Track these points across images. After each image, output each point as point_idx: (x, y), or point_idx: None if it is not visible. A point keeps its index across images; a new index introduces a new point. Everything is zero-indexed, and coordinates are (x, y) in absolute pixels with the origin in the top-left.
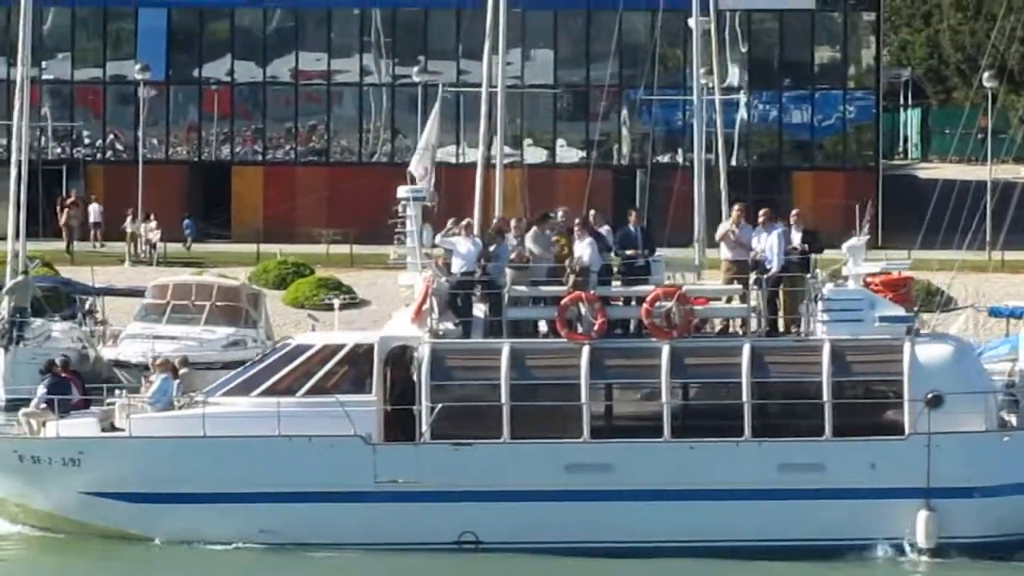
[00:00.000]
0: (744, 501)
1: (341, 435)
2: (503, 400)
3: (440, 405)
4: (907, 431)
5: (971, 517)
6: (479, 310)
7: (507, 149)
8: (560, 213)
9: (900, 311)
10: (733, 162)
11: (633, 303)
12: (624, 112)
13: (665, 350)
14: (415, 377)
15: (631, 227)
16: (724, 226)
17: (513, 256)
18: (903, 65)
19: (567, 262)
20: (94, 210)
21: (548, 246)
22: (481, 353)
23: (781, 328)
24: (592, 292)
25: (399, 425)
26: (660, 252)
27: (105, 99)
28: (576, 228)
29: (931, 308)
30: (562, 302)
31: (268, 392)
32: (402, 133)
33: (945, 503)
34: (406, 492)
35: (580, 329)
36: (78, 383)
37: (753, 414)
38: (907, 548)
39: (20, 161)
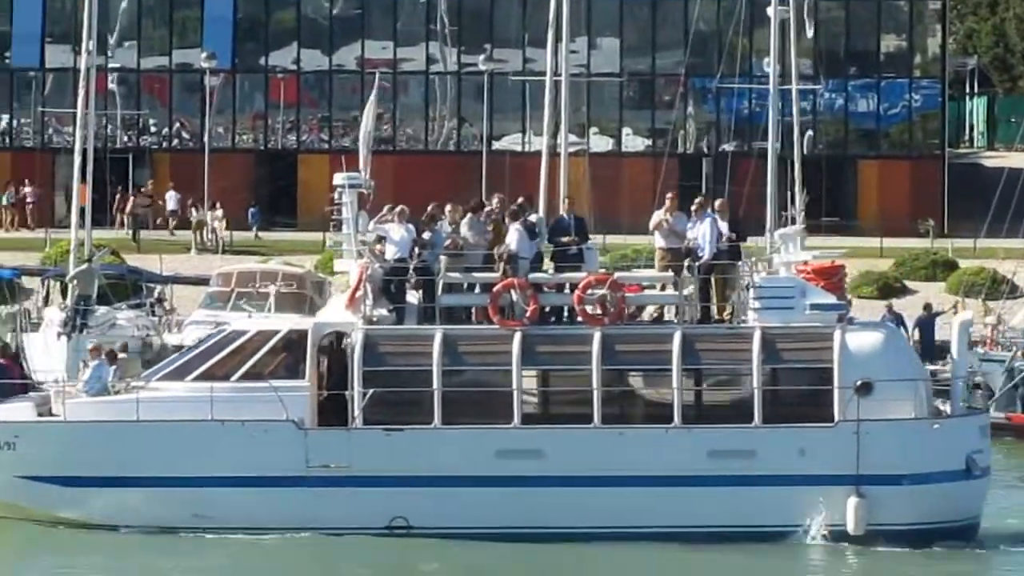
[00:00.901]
0: (674, 488)
1: (273, 420)
2: (435, 386)
3: (372, 391)
4: (836, 418)
5: (900, 504)
6: (413, 297)
7: (572, 138)
8: (495, 201)
9: (832, 299)
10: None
11: (567, 290)
12: (690, 100)
13: (596, 337)
14: (348, 363)
15: (564, 214)
16: (658, 215)
17: (448, 243)
18: (969, 53)
19: (496, 249)
20: (171, 197)
21: (482, 233)
22: (413, 339)
23: (715, 316)
24: (524, 279)
25: (333, 411)
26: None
27: (171, 87)
28: (507, 215)
29: (997, 296)
30: (494, 289)
31: (203, 377)
32: (468, 121)
33: (874, 490)
34: (338, 477)
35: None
36: (17, 369)
37: (683, 401)
38: (836, 535)
39: (85, 149)
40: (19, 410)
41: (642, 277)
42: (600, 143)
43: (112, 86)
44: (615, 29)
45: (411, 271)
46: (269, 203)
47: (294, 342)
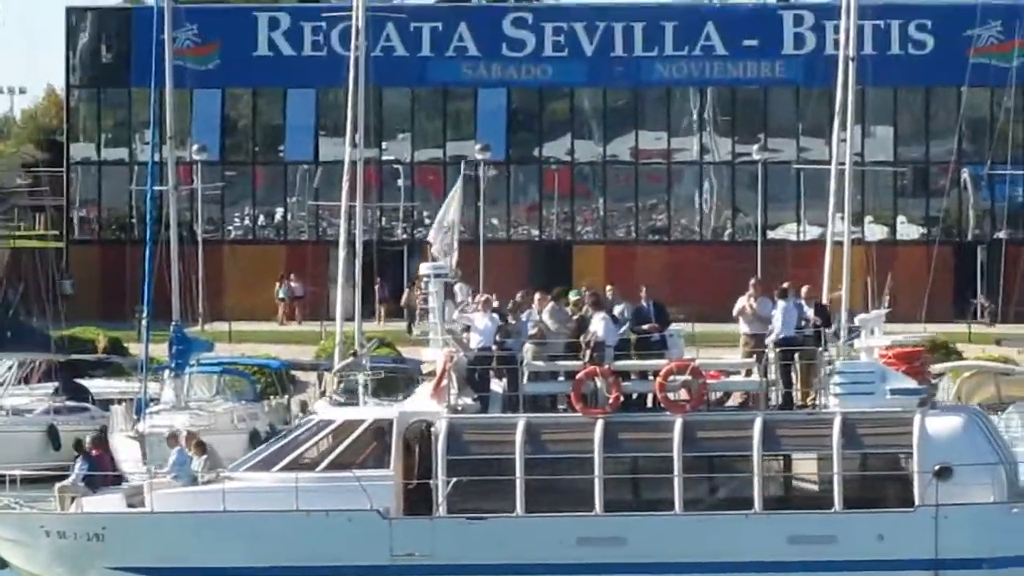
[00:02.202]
0: (754, 573)
1: (357, 509)
2: (517, 474)
3: (455, 479)
4: (916, 503)
5: None
6: (497, 385)
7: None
8: (582, 289)
9: (912, 383)
10: None
11: (649, 377)
12: (963, 188)
13: (678, 423)
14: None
15: (643, 302)
16: (741, 300)
17: (533, 331)
18: None
19: (581, 337)
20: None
21: (564, 321)
22: (496, 428)
23: (798, 401)
24: (607, 367)
25: (418, 500)
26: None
27: (445, 179)
28: (589, 304)
29: None
30: (577, 376)
31: (289, 467)
32: (742, 211)
33: (953, 575)
34: (422, 566)
35: (595, 404)
36: (109, 460)
37: (764, 487)
38: None
39: (351, 241)
40: (108, 501)
41: (723, 364)
42: (875, 231)
43: (398, 180)
44: (889, 117)
45: (494, 360)
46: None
47: (380, 431)
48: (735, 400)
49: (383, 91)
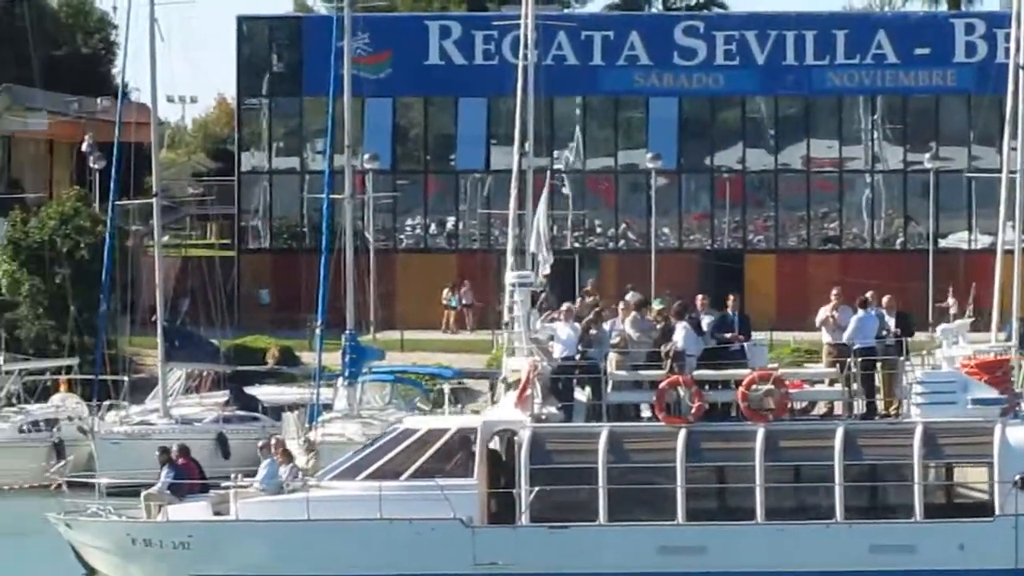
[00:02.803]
0: None
1: (440, 518)
2: (600, 483)
3: (537, 488)
4: (996, 512)
5: None
6: (581, 394)
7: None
8: (666, 298)
9: (994, 393)
10: None
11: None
12: None
13: (760, 433)
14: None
15: (729, 312)
16: (824, 310)
17: (616, 341)
18: None
19: (664, 347)
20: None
21: (648, 331)
22: (579, 437)
23: (881, 410)
24: (689, 376)
25: (502, 508)
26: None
27: (617, 188)
28: (672, 314)
29: None
30: (660, 386)
31: (374, 476)
32: (914, 220)
33: None
34: (505, 574)
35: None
36: (196, 469)
37: (845, 496)
38: None
39: (520, 250)
40: (194, 510)
41: (805, 373)
42: None
43: (563, 189)
44: None
45: (577, 369)
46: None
47: (464, 440)
48: (821, 409)
49: (554, 100)
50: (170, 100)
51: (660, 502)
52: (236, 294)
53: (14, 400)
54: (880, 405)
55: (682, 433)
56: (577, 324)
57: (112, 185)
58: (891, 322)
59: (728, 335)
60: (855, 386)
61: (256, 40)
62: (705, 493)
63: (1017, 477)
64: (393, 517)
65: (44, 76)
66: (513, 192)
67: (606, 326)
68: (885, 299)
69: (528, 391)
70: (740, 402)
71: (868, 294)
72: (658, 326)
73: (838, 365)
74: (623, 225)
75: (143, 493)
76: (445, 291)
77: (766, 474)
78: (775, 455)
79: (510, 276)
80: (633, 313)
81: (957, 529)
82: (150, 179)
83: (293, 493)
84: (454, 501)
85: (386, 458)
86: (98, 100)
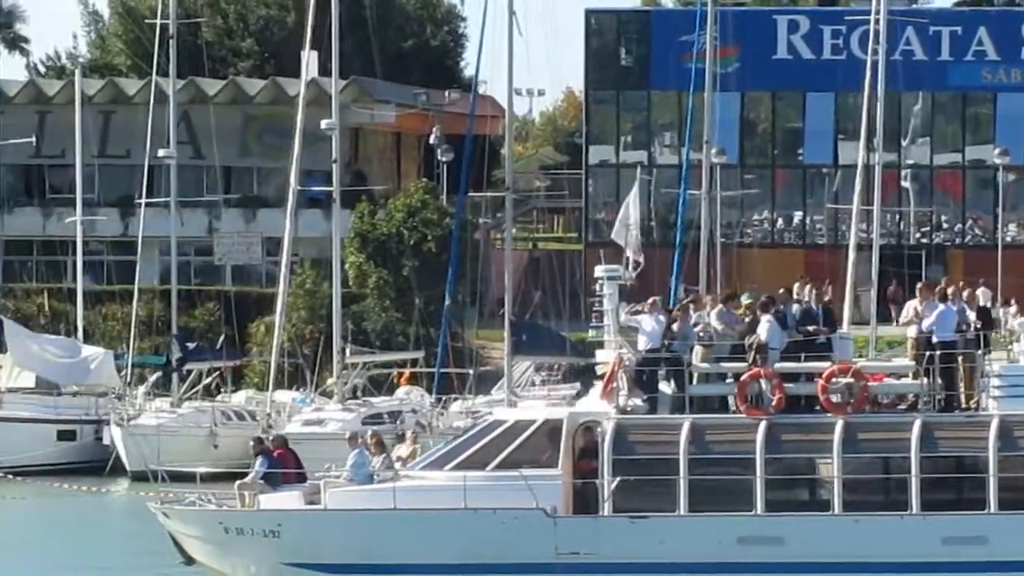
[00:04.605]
0: (909, 574)
1: (524, 508)
2: (681, 474)
3: (619, 479)
4: None
5: None
6: (666, 386)
7: None
8: (753, 291)
9: None
10: None
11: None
12: None
13: (839, 425)
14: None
15: (813, 305)
16: (911, 304)
17: (700, 333)
18: None
19: (747, 340)
20: (983, 294)
21: (732, 323)
22: (661, 428)
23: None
24: (771, 369)
25: (585, 499)
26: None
27: (964, 184)
28: (758, 307)
29: None
30: (742, 378)
31: (461, 466)
32: None
33: None
34: (587, 564)
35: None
36: (291, 459)
37: (920, 488)
38: None
39: (863, 245)
40: (285, 499)
41: (886, 367)
42: None
43: (905, 183)
44: None
45: (662, 361)
46: None
47: (551, 432)
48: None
49: (901, 95)
50: (518, 93)
51: (740, 493)
52: (583, 287)
53: (358, 393)
54: (962, 399)
55: (762, 425)
56: (662, 317)
57: (463, 178)
58: (972, 316)
59: (812, 327)
60: (931, 379)
61: (604, 34)
62: (784, 484)
63: None
64: (477, 507)
65: (391, 68)
66: (857, 187)
67: (691, 319)
68: (965, 293)
69: (613, 383)
70: (820, 394)
71: (950, 289)
72: (745, 319)
73: (918, 358)
74: (969, 221)
75: (237, 483)
76: (796, 285)
77: (843, 466)
78: (853, 447)
79: (599, 270)
80: (719, 306)
81: None
82: (497, 172)
83: (381, 483)
84: (538, 491)
85: (473, 448)
86: (446, 93)
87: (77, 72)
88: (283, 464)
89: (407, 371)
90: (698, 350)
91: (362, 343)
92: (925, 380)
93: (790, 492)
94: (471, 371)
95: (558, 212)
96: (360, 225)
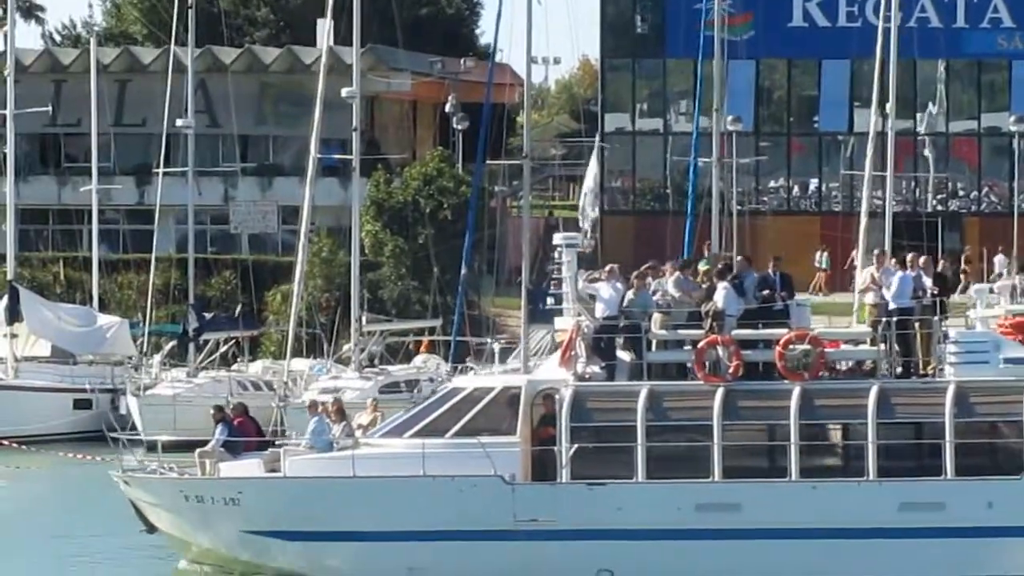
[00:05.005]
0: (865, 540)
1: (482, 475)
2: (638, 441)
3: (577, 446)
4: None
5: None
6: (625, 354)
7: None
8: (708, 258)
9: None
10: None
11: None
12: None
13: (796, 392)
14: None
15: (770, 272)
16: (868, 271)
17: (658, 301)
18: None
19: (704, 307)
20: (999, 262)
21: (690, 291)
22: (619, 396)
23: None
24: (728, 336)
25: (543, 466)
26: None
27: (980, 151)
28: (715, 274)
29: None
30: (699, 345)
31: (420, 434)
32: None
33: None
34: (545, 531)
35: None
36: (252, 427)
37: (877, 454)
38: None
39: (874, 212)
40: (245, 467)
41: (840, 333)
42: None
43: (925, 151)
44: None
45: (619, 329)
46: None
47: (509, 399)
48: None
49: (916, 62)
50: (534, 61)
51: (697, 460)
52: (598, 254)
53: (376, 361)
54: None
55: (719, 392)
56: (620, 284)
57: (480, 146)
58: (928, 282)
59: (766, 293)
60: (886, 346)
61: (620, 1)
62: (741, 451)
63: None
64: (436, 474)
65: (407, 36)
66: (868, 153)
67: (650, 287)
68: (922, 259)
69: (572, 351)
70: (777, 361)
71: (909, 256)
72: (703, 287)
73: (874, 325)
74: (985, 188)
75: (197, 451)
76: (818, 253)
77: (801, 432)
78: (810, 414)
79: (557, 237)
80: (676, 273)
81: (985, 487)
82: (513, 140)
83: (340, 451)
84: (496, 459)
85: (432, 416)
86: (461, 61)
87: (92, 41)
88: (243, 432)
89: (425, 339)
90: (656, 317)
91: (378, 311)
92: (882, 346)
93: (748, 459)
94: (488, 340)
95: (574, 180)
96: (376, 193)
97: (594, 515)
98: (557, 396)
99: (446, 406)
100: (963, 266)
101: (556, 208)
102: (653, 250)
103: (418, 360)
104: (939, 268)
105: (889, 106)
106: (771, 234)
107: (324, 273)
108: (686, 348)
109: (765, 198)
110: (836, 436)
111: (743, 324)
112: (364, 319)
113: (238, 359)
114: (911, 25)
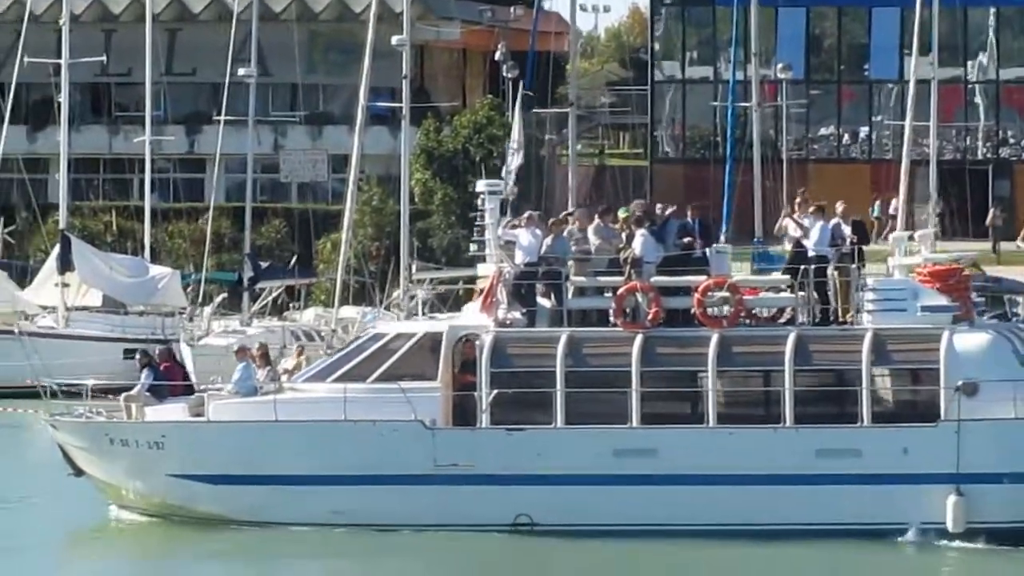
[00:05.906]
0: (782, 486)
1: (403, 420)
2: (557, 387)
3: (496, 391)
4: (940, 418)
5: (1000, 503)
6: (545, 301)
7: None
8: (632, 206)
9: (944, 301)
10: None
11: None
12: None
13: (714, 339)
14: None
15: (689, 219)
16: (784, 218)
17: (574, 248)
18: None
19: (622, 253)
20: None
21: (609, 238)
22: (538, 341)
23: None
24: (647, 283)
25: (464, 411)
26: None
27: None
28: (633, 221)
29: None
30: (618, 292)
31: (342, 378)
32: None
33: (974, 488)
34: (464, 475)
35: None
36: (178, 372)
37: (794, 401)
38: (937, 533)
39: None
40: (169, 411)
41: (758, 280)
42: None
43: (975, 99)
44: None
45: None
46: None
47: (431, 345)
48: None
49: (967, 10)
50: (583, 9)
51: (616, 406)
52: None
53: (425, 309)
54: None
55: (638, 339)
56: (539, 231)
57: (521, 93)
58: (847, 230)
59: (687, 240)
60: (804, 294)
61: None
62: (659, 397)
63: (960, 383)
64: (357, 419)
65: None
66: (910, 102)
67: (565, 234)
68: (840, 207)
69: (493, 297)
70: (696, 308)
71: (824, 203)
72: (623, 234)
73: (792, 272)
74: None
75: (122, 395)
76: (877, 203)
77: (718, 379)
78: (728, 360)
79: (480, 184)
80: (596, 221)
81: (901, 434)
82: (562, 88)
83: (263, 396)
84: (417, 404)
85: (355, 361)
86: (511, 9)
87: None
88: (169, 377)
89: (476, 287)
90: (573, 264)
91: (428, 260)
92: (801, 294)
93: (665, 405)
94: None
95: (623, 128)
96: (426, 142)
97: (513, 460)
98: (478, 342)
99: (368, 351)
100: None
101: (607, 156)
102: (703, 197)
103: (467, 308)
104: (988, 219)
105: (932, 54)
106: (821, 182)
107: (374, 222)
108: (607, 295)
109: (816, 146)
110: (754, 383)
111: (663, 271)
112: (414, 267)
113: (290, 307)
114: None
